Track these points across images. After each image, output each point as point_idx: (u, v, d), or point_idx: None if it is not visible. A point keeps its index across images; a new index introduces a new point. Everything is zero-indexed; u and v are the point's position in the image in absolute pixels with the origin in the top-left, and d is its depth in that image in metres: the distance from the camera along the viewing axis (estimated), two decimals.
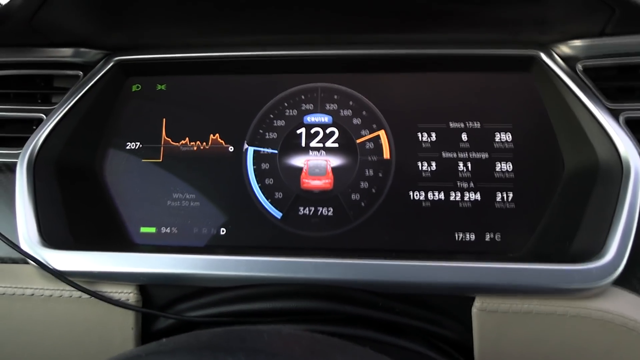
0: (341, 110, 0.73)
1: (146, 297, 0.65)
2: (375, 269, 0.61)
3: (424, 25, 0.69)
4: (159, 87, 0.77)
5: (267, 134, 0.74)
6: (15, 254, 0.66)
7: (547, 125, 0.69)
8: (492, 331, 0.59)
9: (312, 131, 0.73)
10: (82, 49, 0.75)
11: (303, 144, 0.73)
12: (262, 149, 0.74)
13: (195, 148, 0.74)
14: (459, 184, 0.69)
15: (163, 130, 0.75)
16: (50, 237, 0.66)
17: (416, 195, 0.70)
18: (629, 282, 0.58)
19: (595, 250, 0.58)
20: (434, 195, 0.70)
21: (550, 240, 0.64)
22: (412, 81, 0.73)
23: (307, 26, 0.70)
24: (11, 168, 0.70)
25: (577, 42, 0.67)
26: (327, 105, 0.74)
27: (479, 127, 0.71)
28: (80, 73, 0.75)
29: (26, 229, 0.65)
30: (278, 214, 0.71)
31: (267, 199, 0.72)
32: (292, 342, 0.38)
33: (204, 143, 0.74)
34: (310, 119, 0.74)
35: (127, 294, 0.64)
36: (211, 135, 0.75)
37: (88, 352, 0.64)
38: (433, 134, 0.71)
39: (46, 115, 0.72)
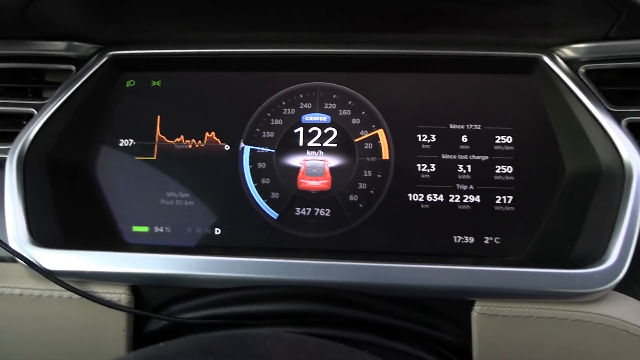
0: (340, 110, 0.73)
1: (138, 298, 0.64)
2: (372, 272, 0.60)
3: (426, 25, 0.69)
4: (154, 83, 0.76)
5: (264, 132, 0.73)
6: (3, 253, 0.65)
7: (548, 128, 0.68)
8: (492, 335, 0.59)
9: (310, 130, 0.72)
10: (76, 43, 0.73)
11: (301, 144, 0.72)
12: (258, 148, 0.72)
13: (190, 146, 0.73)
14: (458, 186, 0.69)
15: (157, 127, 0.74)
16: (40, 236, 0.64)
17: (415, 197, 0.69)
18: (630, 288, 0.58)
19: (597, 255, 0.58)
20: (433, 197, 0.69)
21: (550, 244, 0.64)
22: (413, 82, 0.72)
23: (307, 24, 0.69)
24: (0, 164, 0.68)
25: (580, 45, 0.66)
26: (326, 104, 0.73)
27: (479, 129, 0.70)
28: (73, 67, 0.73)
29: (15, 227, 0.64)
30: (274, 215, 0.70)
31: (263, 199, 0.71)
32: (295, 348, 0.37)
33: (199, 141, 0.73)
34: (308, 118, 0.73)
35: (119, 294, 0.62)
36: (207, 133, 0.73)
37: (78, 353, 0.63)
38: (433, 136, 0.70)
39: (37, 110, 0.70)
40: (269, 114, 0.73)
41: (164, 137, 0.74)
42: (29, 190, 0.66)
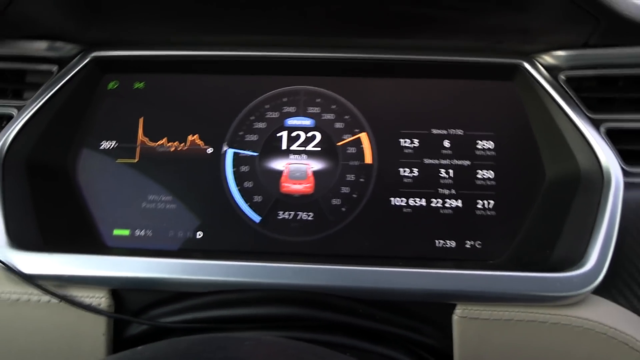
0: (323, 114, 0.73)
1: (118, 302, 0.63)
2: (354, 275, 0.60)
3: (409, 31, 0.69)
4: (137, 85, 0.75)
5: (247, 136, 0.73)
6: None
7: (529, 134, 0.69)
8: (473, 339, 0.59)
9: (294, 134, 0.72)
10: (58, 43, 0.72)
11: (284, 147, 0.72)
12: (241, 151, 0.72)
13: (172, 149, 0.73)
14: (440, 190, 0.69)
15: (140, 129, 0.73)
16: (18, 238, 0.63)
17: (397, 201, 0.69)
18: (609, 291, 0.59)
19: (576, 258, 0.59)
20: (415, 201, 0.69)
21: (530, 248, 0.64)
22: (396, 87, 0.73)
23: (292, 28, 0.69)
24: None
25: (561, 53, 0.67)
26: (310, 108, 0.73)
27: (461, 134, 0.71)
28: (55, 68, 0.73)
29: None
30: (257, 218, 0.70)
31: (246, 203, 0.70)
32: (274, 351, 0.36)
33: (182, 144, 0.73)
34: (291, 122, 0.73)
35: (98, 298, 0.62)
36: (190, 136, 0.73)
37: (57, 358, 0.62)
38: (415, 140, 0.71)
39: (17, 111, 0.69)
40: (252, 117, 0.73)
41: (146, 139, 0.73)
42: (7, 192, 0.65)
